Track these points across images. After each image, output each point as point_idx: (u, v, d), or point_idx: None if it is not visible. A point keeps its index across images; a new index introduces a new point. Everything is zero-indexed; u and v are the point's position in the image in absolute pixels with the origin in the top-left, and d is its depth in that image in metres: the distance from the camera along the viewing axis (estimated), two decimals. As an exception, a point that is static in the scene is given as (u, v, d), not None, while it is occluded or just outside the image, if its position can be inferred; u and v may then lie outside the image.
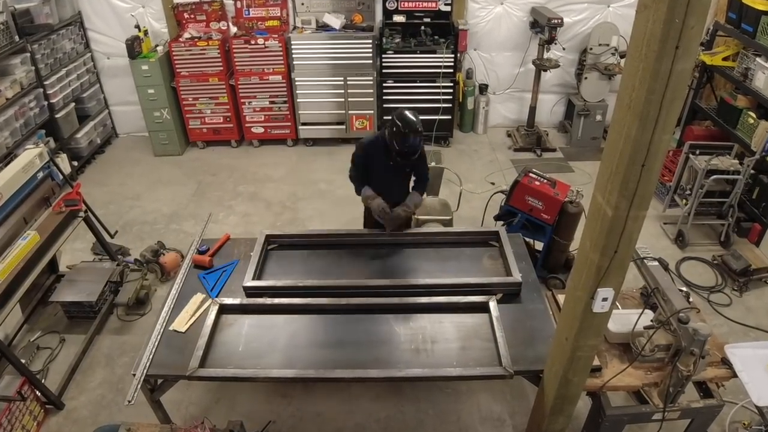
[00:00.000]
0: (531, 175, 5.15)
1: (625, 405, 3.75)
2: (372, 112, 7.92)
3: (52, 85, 7.08)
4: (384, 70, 7.68)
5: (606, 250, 2.45)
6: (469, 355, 3.57)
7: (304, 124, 8.07)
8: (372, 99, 7.84)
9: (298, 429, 4.25)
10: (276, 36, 7.50)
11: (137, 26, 7.59)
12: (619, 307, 3.74)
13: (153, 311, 5.26)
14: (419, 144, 4.15)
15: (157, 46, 7.79)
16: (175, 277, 4.31)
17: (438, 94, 7.74)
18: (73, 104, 7.53)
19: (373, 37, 7.47)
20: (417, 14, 7.67)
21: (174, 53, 7.56)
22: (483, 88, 8.29)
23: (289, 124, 8.09)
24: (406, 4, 7.58)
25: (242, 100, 7.91)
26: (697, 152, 5.87)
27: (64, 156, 7.18)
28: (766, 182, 5.73)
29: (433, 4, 7.56)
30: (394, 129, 4.05)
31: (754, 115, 5.87)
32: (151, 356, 3.56)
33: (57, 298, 5.06)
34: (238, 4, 7.70)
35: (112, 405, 4.42)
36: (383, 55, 7.56)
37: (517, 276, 4.01)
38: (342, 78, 7.68)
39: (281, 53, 7.55)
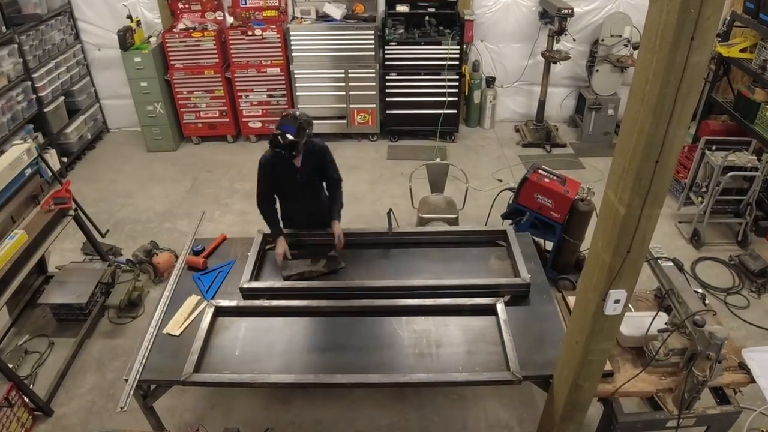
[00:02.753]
0: (540, 171, 5.15)
1: (638, 412, 3.76)
2: (374, 106, 7.92)
3: (41, 78, 7.09)
4: (387, 63, 7.68)
5: (618, 249, 2.45)
6: (476, 360, 3.58)
7: (303, 118, 8.07)
8: (374, 92, 7.84)
9: (297, 436, 4.27)
10: (274, 27, 7.51)
11: (129, 16, 7.60)
12: (632, 309, 3.74)
13: (146, 314, 5.26)
14: (292, 128, 3.93)
15: (150, 37, 7.79)
16: (168, 278, 4.32)
17: (443, 87, 7.74)
18: (62, 98, 7.54)
19: (375, 28, 7.47)
20: (421, 4, 7.67)
21: (168, 44, 7.56)
22: (490, 81, 8.29)
23: (288, 118, 8.08)
24: (409, -7, 7.59)
25: (239, 94, 7.92)
26: (714, 148, 5.86)
27: (53, 152, 7.21)
28: (786, 179, 5.73)
29: (438, -6, 7.57)
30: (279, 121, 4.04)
31: (773, 109, 5.87)
32: (143, 361, 3.56)
33: (46, 299, 5.07)
34: (235, -6, 7.71)
35: (103, 411, 4.43)
36: (386, 47, 7.56)
37: (525, 277, 4.01)
38: (343, 70, 7.68)
39: (279, 45, 7.55)
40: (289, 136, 3.90)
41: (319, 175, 4.49)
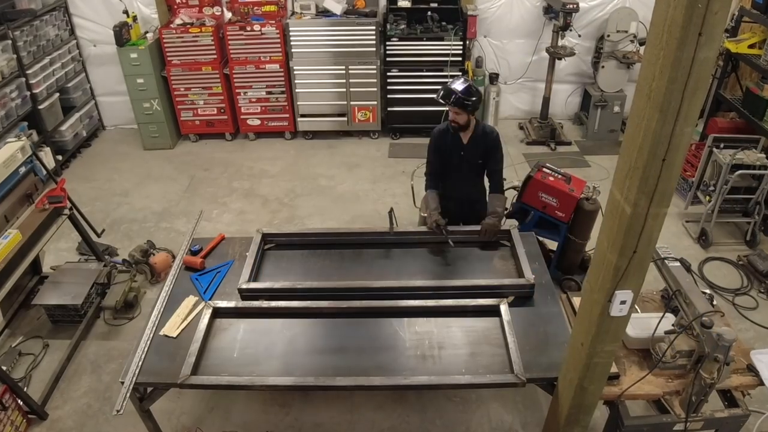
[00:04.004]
0: (545, 170, 5.14)
1: (644, 415, 3.75)
2: (375, 102, 7.92)
3: (35, 75, 7.09)
4: (388, 59, 7.68)
5: (624, 249, 2.45)
6: (479, 362, 3.58)
7: (303, 115, 8.08)
8: (375, 89, 7.85)
9: (296, 440, 4.27)
10: (273, 22, 7.51)
11: (125, 11, 7.61)
12: (639, 310, 3.74)
13: (142, 315, 5.27)
14: (469, 88, 4.31)
15: (146, 32, 7.80)
16: (165, 278, 4.32)
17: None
18: (57, 95, 7.54)
19: (376, 24, 7.47)
20: (423, -2, 7.68)
21: (165, 40, 7.57)
22: (493, 78, 8.28)
23: (287, 115, 8.10)
24: (411, -12, 7.58)
25: (237, 91, 7.92)
26: (722, 146, 5.86)
27: (47, 150, 7.21)
28: (796, 178, 5.71)
29: (441, -12, 7.56)
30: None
31: (782, 106, 5.86)
32: (140, 363, 3.57)
33: (40, 300, 5.07)
34: (233, -12, 7.71)
35: (99, 415, 4.43)
36: (387, 43, 7.56)
37: (529, 277, 4.01)
38: (343, 67, 7.68)
39: (279, 40, 7.55)
40: (458, 88, 4.28)
41: (483, 162, 4.64)
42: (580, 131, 8.43)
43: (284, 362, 3.64)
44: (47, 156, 7.11)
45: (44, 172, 5.08)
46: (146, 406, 3.73)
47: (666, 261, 3.47)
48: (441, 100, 4.37)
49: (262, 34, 7.51)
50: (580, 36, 7.78)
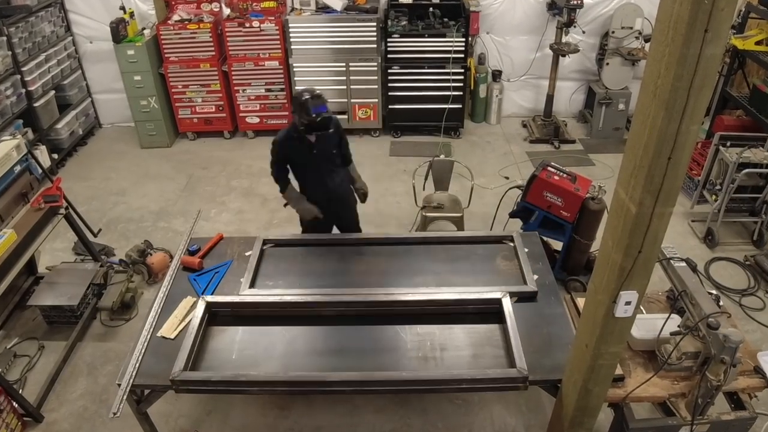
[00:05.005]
0: (549, 169, 5.14)
1: (649, 417, 3.75)
2: (376, 100, 7.93)
3: (31, 72, 7.10)
4: (389, 55, 7.68)
5: (629, 249, 2.45)
6: (481, 364, 3.58)
7: (302, 113, 8.07)
8: (376, 86, 7.85)
9: (296, 443, 4.27)
10: (272, 18, 7.51)
11: (122, 8, 7.61)
12: (644, 311, 3.74)
13: (139, 316, 5.27)
14: (325, 107, 4.30)
15: (143, 29, 7.80)
16: (163, 279, 4.33)
17: (448, 81, 7.74)
18: (53, 92, 7.55)
19: (377, 20, 7.47)
20: (425, -6, 7.69)
21: (162, 37, 7.57)
22: (496, 75, 8.29)
23: (287, 113, 8.09)
24: (412, -17, 7.58)
25: (236, 88, 7.92)
26: (728, 144, 5.85)
27: (43, 148, 7.22)
28: (804, 177, 5.71)
29: (442, -16, 7.56)
30: (300, 102, 4.30)
31: (790, 104, 5.86)
32: (137, 365, 3.57)
33: (35, 301, 5.07)
34: (231, -16, 7.72)
35: (96, 417, 4.43)
36: (388, 39, 7.56)
37: (531, 285, 4.02)
38: (344, 64, 7.68)
39: (278, 37, 7.55)
40: (325, 115, 4.27)
41: (335, 149, 4.68)
42: (585, 129, 8.43)
43: (283, 364, 3.64)
44: (43, 154, 7.12)
45: (40, 170, 5.08)
46: (143, 408, 3.73)
47: (671, 261, 3.47)
48: (315, 132, 4.43)
49: (261, 30, 7.51)
50: (584, 32, 7.79)
